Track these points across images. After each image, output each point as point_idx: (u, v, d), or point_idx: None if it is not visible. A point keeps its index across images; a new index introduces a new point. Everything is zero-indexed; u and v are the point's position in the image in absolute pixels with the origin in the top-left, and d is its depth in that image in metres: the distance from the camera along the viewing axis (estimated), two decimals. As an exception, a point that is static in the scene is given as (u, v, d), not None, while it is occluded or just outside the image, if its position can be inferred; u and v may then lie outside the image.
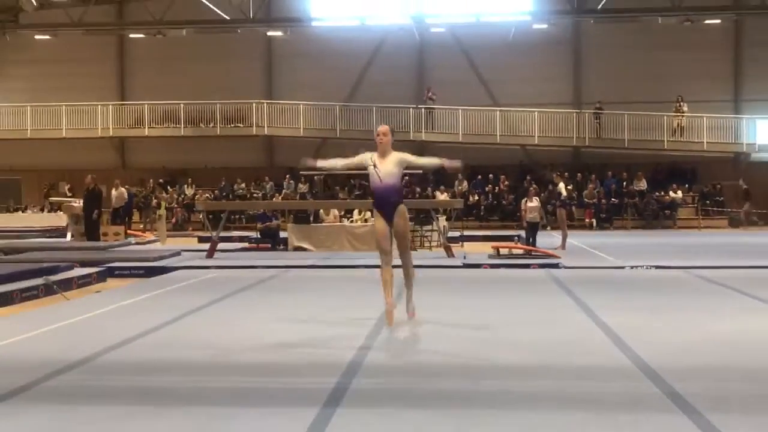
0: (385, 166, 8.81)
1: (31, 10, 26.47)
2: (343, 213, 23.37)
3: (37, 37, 32.44)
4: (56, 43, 32.77)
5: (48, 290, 13.25)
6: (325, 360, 7.36)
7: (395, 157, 8.90)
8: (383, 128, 9.16)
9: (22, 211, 31.93)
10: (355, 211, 23.13)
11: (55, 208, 28.57)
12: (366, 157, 8.99)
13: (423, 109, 31.97)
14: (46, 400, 6.10)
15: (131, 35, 33.32)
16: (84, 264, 16.26)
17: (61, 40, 32.50)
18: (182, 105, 32.88)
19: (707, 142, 30.48)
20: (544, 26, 30.27)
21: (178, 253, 19.31)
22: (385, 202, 8.89)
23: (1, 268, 14.73)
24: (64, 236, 24.36)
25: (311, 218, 22.51)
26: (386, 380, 6.63)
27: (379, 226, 9.04)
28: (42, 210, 31.08)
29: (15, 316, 10.76)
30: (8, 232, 26.01)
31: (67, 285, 13.94)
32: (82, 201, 22.88)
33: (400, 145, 32.39)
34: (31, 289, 13.06)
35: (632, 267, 15.81)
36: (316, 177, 30.87)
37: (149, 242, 23.99)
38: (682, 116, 30.43)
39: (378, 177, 8.81)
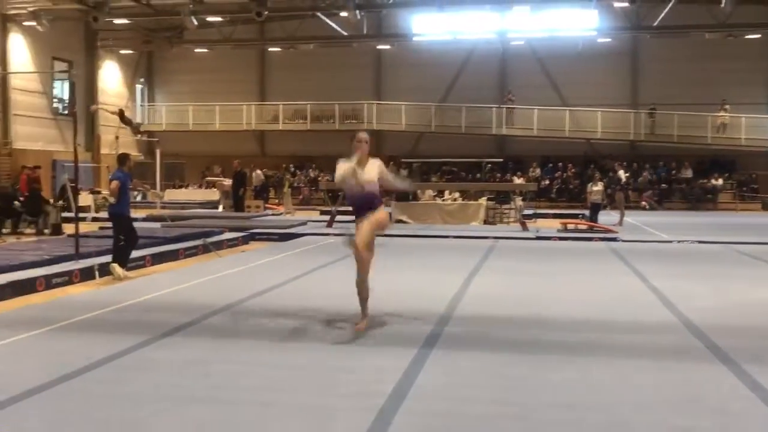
0: (366, 174, 6.66)
1: (193, 29, 27.06)
2: (436, 193, 23.29)
3: (196, 50, 33.25)
4: (211, 55, 33.55)
5: (205, 249, 13.67)
6: (422, 310, 7.39)
7: (374, 164, 6.79)
8: (365, 135, 7.03)
9: (185, 188, 32.92)
10: (446, 192, 23.02)
11: (210, 185, 29.34)
12: (345, 167, 6.68)
13: (504, 109, 31.52)
14: (203, 335, 6.31)
15: (270, 49, 33.78)
16: (232, 230, 16.67)
17: (215, 53, 33.25)
18: (309, 105, 33.26)
19: (745, 138, 29.21)
20: (608, 40, 29.47)
21: (304, 223, 19.60)
22: (365, 210, 6.64)
23: (169, 231, 15.24)
24: (217, 208, 25.04)
25: (410, 197, 22.52)
26: (472, 328, 6.62)
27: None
28: (200, 187, 31.96)
29: (180, 269, 11.13)
30: (175, 204, 26.93)
31: (219, 246, 14.34)
32: (231, 180, 23.45)
33: (486, 139, 32.01)
34: (192, 249, 13.49)
35: (679, 241, 15.31)
36: (414, 164, 30.85)
37: (282, 214, 24.45)
38: (726, 116, 29.29)
39: (360, 185, 6.60)
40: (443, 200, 22.32)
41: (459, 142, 31.46)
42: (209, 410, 4.21)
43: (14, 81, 26.98)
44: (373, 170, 6.66)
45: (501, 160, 30.24)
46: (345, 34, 29.36)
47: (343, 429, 4.01)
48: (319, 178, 31.84)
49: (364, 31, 29.40)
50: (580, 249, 14.12)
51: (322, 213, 24.10)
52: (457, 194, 22.66)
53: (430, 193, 22.93)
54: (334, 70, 32.88)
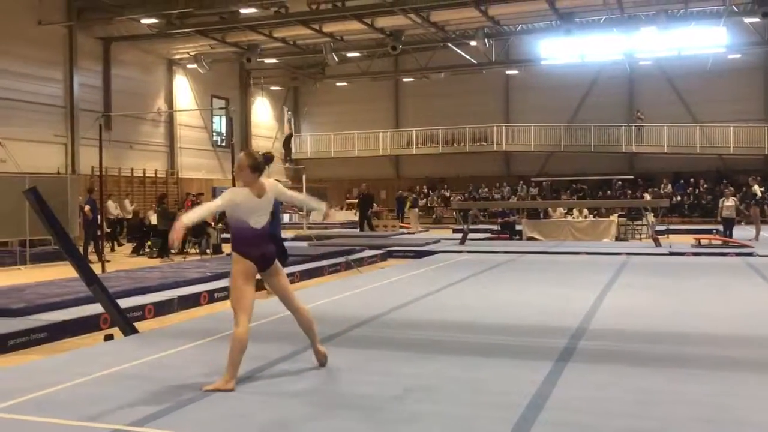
0: (265, 203, 5.01)
1: (334, 65, 27.92)
2: (566, 210, 22.70)
3: (337, 83, 34.24)
4: (350, 87, 34.44)
5: (347, 266, 13.94)
6: (556, 324, 7.17)
7: (269, 188, 5.03)
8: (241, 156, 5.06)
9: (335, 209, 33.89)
10: (575, 210, 22.39)
11: (350, 207, 30.00)
12: (230, 198, 4.92)
13: (633, 127, 30.34)
14: (348, 345, 6.40)
15: (404, 79, 34.28)
16: (371, 247, 16.92)
17: (353, 85, 34.11)
18: (440, 129, 33.40)
19: None
20: (738, 55, 27.77)
21: (438, 241, 19.61)
22: (267, 252, 5.05)
23: (314, 250, 15.67)
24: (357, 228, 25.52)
25: (541, 214, 22.08)
26: (607, 343, 6.34)
27: (245, 273, 4.92)
28: (341, 209, 32.74)
29: (325, 284, 11.39)
30: (319, 225, 27.72)
31: (360, 262, 14.58)
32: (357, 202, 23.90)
33: (615, 157, 30.91)
34: (336, 266, 13.80)
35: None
36: (544, 182, 30.26)
37: (416, 232, 24.58)
38: None
39: (255, 219, 4.96)
40: (574, 218, 21.70)
41: (588, 160, 30.58)
42: (355, 417, 4.25)
43: (180, 118, 28.80)
44: (268, 199, 5.03)
45: (631, 177, 29.09)
46: (474, 62, 29.32)
47: (482, 438, 3.93)
48: (451, 198, 31.87)
49: (493, 58, 29.24)
50: (715, 264, 13.28)
51: (455, 231, 24.04)
52: (586, 211, 21.98)
53: (561, 210, 22.37)
54: (464, 96, 32.89)
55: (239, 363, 4.84)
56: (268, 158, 5.29)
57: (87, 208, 15.90)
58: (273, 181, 5.18)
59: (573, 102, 31.97)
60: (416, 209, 27.77)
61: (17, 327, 7.11)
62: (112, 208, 20.88)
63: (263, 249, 5.01)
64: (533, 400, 4.53)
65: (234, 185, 13.09)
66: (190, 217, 4.84)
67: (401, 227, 25.47)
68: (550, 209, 22.19)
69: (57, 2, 22.33)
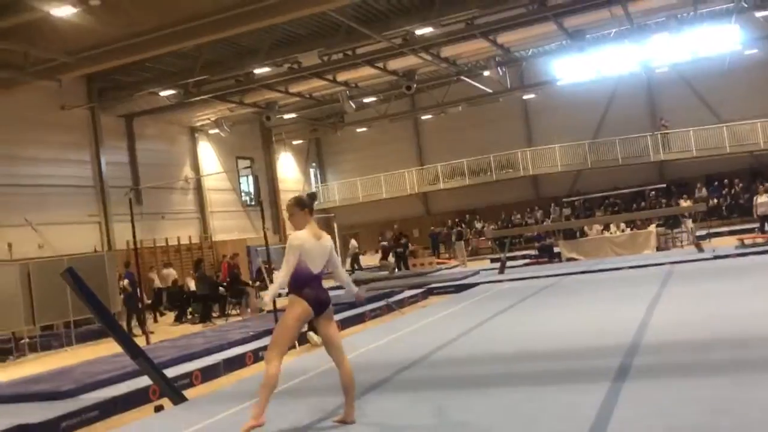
0: (322, 249, 5.18)
1: (351, 112, 28.18)
2: (602, 227, 22.40)
3: (357, 129, 34.53)
4: (371, 131, 34.67)
5: (389, 309, 13.84)
6: (608, 343, 6.99)
7: (326, 237, 5.26)
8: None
9: (362, 255, 33.78)
10: (611, 225, 22.08)
11: (385, 252, 29.92)
12: (299, 243, 5.05)
13: (659, 135, 30.02)
14: (399, 389, 6.30)
15: (422, 117, 34.45)
16: (411, 287, 16.81)
17: (374, 129, 34.33)
18: (465, 161, 33.40)
19: None
20: (754, 51, 27.44)
21: (477, 273, 19.45)
22: (323, 297, 5.15)
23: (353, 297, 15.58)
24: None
25: (577, 234, 21.81)
26: (663, 356, 6.16)
27: (301, 317, 5.06)
28: (376, 252, 32.64)
29: (368, 330, 11.30)
30: (355, 270, 27.66)
31: (401, 304, 14.47)
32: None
33: (644, 167, 30.40)
34: (376, 310, 13.71)
35: None
36: (576, 202, 29.97)
37: (453, 267, 24.42)
38: None
39: (316, 263, 5.11)
40: (611, 233, 21.39)
41: (617, 174, 30.25)
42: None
43: (208, 183, 29.21)
44: (327, 246, 5.23)
45: (663, 185, 28.67)
46: (490, 90, 29.39)
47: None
48: (484, 228, 31.70)
49: (509, 85, 29.28)
50: (762, 263, 12.93)
51: (492, 261, 23.83)
52: (623, 225, 21.67)
53: (597, 227, 22.08)
54: (485, 125, 32.92)
55: (268, 401, 4.87)
56: (312, 195, 5.45)
57: (126, 282, 16.07)
58: (329, 237, 5.33)
59: (594, 118, 31.80)
60: (462, 242, 27.66)
61: (68, 408, 7.13)
62: (157, 279, 21.20)
63: (320, 293, 5.13)
64: (595, 424, 4.39)
65: (266, 241, 13.16)
66: (279, 284, 5.07)
67: (438, 263, 25.33)
68: (586, 227, 21.93)
69: (77, 86, 22.95)
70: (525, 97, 31.95)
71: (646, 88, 31.26)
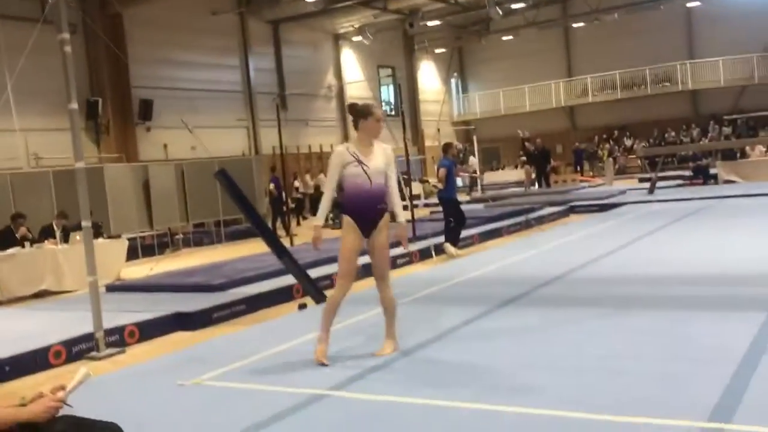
0: (374, 162, 4.90)
1: (498, 19, 27.26)
2: (766, 148, 20.76)
3: (503, 38, 33.43)
4: (517, 41, 33.41)
5: (527, 224, 13.68)
6: (766, 272, 6.56)
7: (383, 149, 5.03)
8: (382, 112, 5.24)
9: (501, 170, 33.37)
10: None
11: (524, 165, 29.34)
12: (343, 154, 4.90)
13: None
14: (537, 305, 6.27)
15: (573, 25, 32.77)
16: (551, 204, 16.50)
17: (520, 38, 33.06)
18: (617, 74, 31.67)
19: None
20: None
21: (623, 192, 18.73)
22: (369, 210, 4.92)
23: (492, 211, 15.53)
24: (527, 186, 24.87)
25: (737, 155, 20.36)
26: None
27: (351, 240, 4.91)
28: (515, 167, 32.11)
29: (506, 245, 11.26)
30: (493, 185, 27.43)
31: (540, 221, 14.27)
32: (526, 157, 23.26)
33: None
34: (514, 225, 13.59)
35: None
36: (739, 120, 27.84)
37: (598, 185, 23.60)
38: None
39: (367, 177, 4.85)
40: (777, 155, 19.83)
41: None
42: (553, 377, 4.13)
43: (349, 91, 29.55)
44: (381, 157, 4.96)
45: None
46: (650, -3, 27.39)
47: (694, 396, 3.66)
48: (635, 146, 30.28)
49: (673, -9, 27.15)
50: None
51: (641, 181, 22.83)
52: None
53: (760, 148, 20.52)
54: (642, 36, 30.85)
55: (329, 323, 4.87)
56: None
57: (272, 186, 16.80)
58: (387, 147, 5.09)
59: (765, 29, 28.97)
60: (611, 159, 26.58)
61: (220, 301, 7.68)
62: (301, 185, 22.09)
63: (367, 212, 4.96)
64: (747, 356, 4.17)
65: (407, 152, 13.23)
66: (322, 208, 5.00)
67: (581, 181, 24.56)
68: (747, 148, 20.46)
69: (227, -8, 23.63)
70: (689, 5, 29.53)
71: (832, -6, 27.99)
